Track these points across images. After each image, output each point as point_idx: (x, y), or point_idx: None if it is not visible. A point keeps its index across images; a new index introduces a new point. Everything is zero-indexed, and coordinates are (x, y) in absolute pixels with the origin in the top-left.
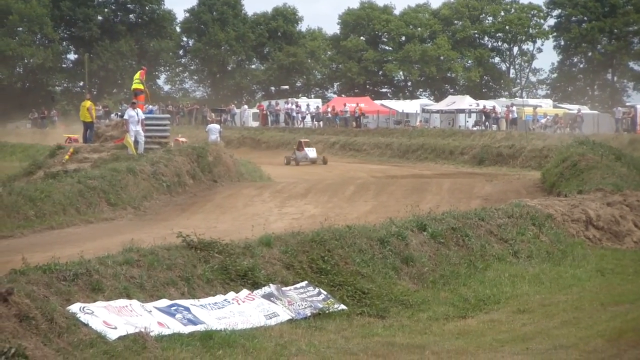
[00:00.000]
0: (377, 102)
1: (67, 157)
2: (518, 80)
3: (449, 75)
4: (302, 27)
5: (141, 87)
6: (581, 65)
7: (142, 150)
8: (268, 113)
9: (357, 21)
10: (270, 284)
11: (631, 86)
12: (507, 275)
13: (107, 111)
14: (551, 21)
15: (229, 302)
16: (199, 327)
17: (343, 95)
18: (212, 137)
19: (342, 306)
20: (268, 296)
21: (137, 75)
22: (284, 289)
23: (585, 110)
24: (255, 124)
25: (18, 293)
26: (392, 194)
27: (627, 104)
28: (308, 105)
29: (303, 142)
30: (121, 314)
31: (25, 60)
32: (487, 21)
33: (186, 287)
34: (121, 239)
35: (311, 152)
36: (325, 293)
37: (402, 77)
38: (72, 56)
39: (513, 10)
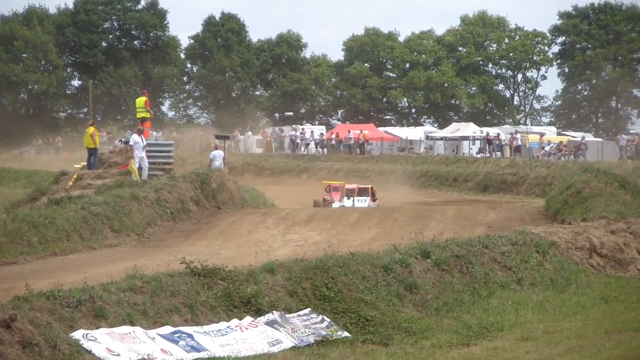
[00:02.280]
0: (381, 129)
1: (70, 183)
2: (522, 108)
3: (453, 102)
4: (307, 53)
5: (147, 115)
6: (585, 93)
7: (146, 177)
8: (272, 139)
9: (362, 48)
10: (274, 311)
11: (635, 113)
12: (511, 302)
13: (110, 137)
14: (555, 48)
15: (232, 329)
16: (202, 354)
17: (347, 122)
18: (216, 164)
19: (346, 333)
20: (271, 323)
21: (140, 103)
22: (287, 316)
23: (590, 137)
24: (259, 150)
25: (21, 319)
26: (396, 221)
27: (632, 131)
28: (312, 131)
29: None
30: (124, 341)
31: (30, 86)
32: (491, 48)
33: (189, 314)
34: (125, 265)
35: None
36: (328, 320)
37: (406, 104)
38: (76, 82)
39: (517, 37)
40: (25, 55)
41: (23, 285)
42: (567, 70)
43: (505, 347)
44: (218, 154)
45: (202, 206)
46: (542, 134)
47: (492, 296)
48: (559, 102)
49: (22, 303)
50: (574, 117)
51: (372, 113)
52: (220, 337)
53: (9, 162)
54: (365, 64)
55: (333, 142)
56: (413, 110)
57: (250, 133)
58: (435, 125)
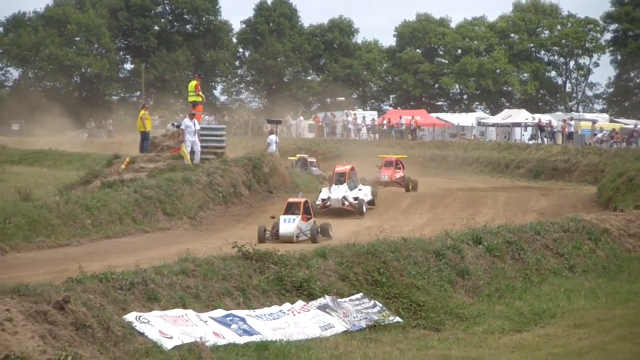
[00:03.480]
0: (433, 114)
1: (123, 166)
2: (574, 95)
3: (505, 88)
4: (358, 39)
5: (199, 99)
6: (638, 80)
7: (198, 161)
8: (324, 124)
9: (413, 33)
10: (326, 296)
11: None
12: (563, 289)
13: (163, 121)
14: (608, 35)
15: (284, 313)
16: (254, 338)
17: (399, 108)
18: (273, 148)
19: (398, 318)
20: (323, 307)
21: (191, 87)
22: (339, 300)
23: None
24: (311, 135)
25: (74, 301)
26: (448, 207)
27: None
28: (364, 117)
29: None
30: (177, 324)
31: (83, 70)
32: (543, 35)
33: (242, 298)
34: (177, 248)
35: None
36: (380, 305)
37: (458, 90)
38: (128, 66)
39: (570, 24)
40: (78, 38)
41: (76, 267)
42: (619, 57)
43: (558, 334)
44: (273, 138)
45: (254, 190)
46: (594, 121)
47: (544, 283)
48: (612, 90)
49: (76, 285)
50: (626, 104)
51: (423, 99)
52: (273, 320)
53: (62, 145)
54: (417, 50)
55: (385, 127)
56: (465, 97)
57: (302, 118)
58: (487, 112)
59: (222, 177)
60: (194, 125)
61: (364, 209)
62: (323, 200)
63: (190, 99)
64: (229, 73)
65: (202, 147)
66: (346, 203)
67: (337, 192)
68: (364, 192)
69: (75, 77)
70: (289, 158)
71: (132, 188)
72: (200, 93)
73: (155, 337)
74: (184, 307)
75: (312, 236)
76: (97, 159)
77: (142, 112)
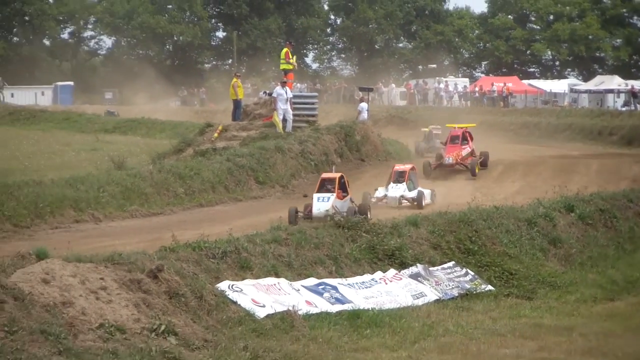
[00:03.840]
0: (525, 81)
1: (216, 135)
2: None
3: (597, 54)
4: (450, 5)
5: (289, 66)
6: None
7: (290, 129)
8: (416, 92)
9: None
10: (418, 264)
11: None
12: None
13: (255, 89)
14: None
15: (376, 281)
16: (347, 306)
17: (491, 75)
18: (364, 116)
19: (490, 287)
20: (415, 276)
21: (282, 55)
22: (431, 269)
23: None
24: (403, 102)
25: (168, 270)
26: (540, 175)
27: None
28: (456, 84)
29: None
30: (269, 292)
31: (175, 38)
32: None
33: (334, 266)
34: (269, 217)
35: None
36: (472, 273)
37: (550, 57)
38: (220, 34)
39: None
40: (170, 6)
41: (169, 236)
42: None
43: None
44: (365, 106)
45: (346, 158)
46: None
47: (637, 251)
48: None
49: (169, 254)
50: None
51: (515, 65)
52: (364, 289)
53: (155, 113)
54: (509, 16)
55: (476, 94)
56: (557, 63)
57: (393, 85)
58: (580, 78)
59: (314, 145)
60: (286, 93)
61: (424, 203)
62: (378, 198)
63: (282, 66)
64: (321, 40)
65: (294, 115)
66: (404, 202)
67: (394, 191)
68: (423, 193)
69: (168, 45)
70: (422, 129)
71: (224, 156)
72: (291, 60)
73: (248, 305)
74: (277, 275)
75: (349, 216)
76: (189, 128)
77: (234, 80)
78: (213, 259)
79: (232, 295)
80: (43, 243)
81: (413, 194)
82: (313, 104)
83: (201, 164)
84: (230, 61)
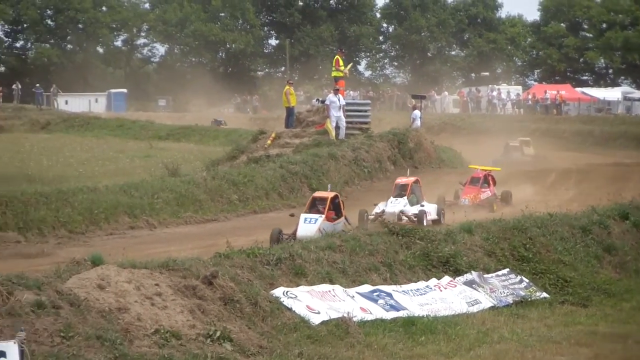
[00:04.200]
0: (578, 89)
1: (269, 142)
2: None
3: None
4: (502, 13)
5: (340, 74)
6: None
7: (343, 136)
8: (469, 99)
9: (558, 7)
10: (472, 271)
11: None
12: None
13: (308, 96)
14: None
15: (430, 288)
16: (401, 313)
17: (544, 82)
18: (418, 123)
19: (544, 294)
20: (470, 283)
21: (334, 62)
22: (485, 276)
23: None
24: (456, 110)
25: (223, 276)
26: (593, 182)
27: None
28: (509, 91)
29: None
30: (324, 299)
31: (228, 45)
32: None
33: (388, 273)
34: None
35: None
36: (527, 281)
37: (603, 65)
38: (273, 42)
39: None
40: (223, 14)
41: (224, 242)
42: None
43: None
44: (418, 113)
45: (399, 165)
46: None
47: None
48: None
49: (223, 260)
50: None
51: (568, 73)
52: (419, 296)
53: (208, 120)
54: (562, 24)
55: (529, 102)
56: (610, 71)
57: (446, 93)
58: (633, 86)
59: (367, 153)
60: (339, 100)
61: (425, 222)
62: (377, 213)
63: (333, 74)
64: (373, 48)
65: (347, 122)
66: (404, 218)
67: (393, 206)
68: (428, 210)
69: (221, 53)
70: (510, 144)
71: (277, 163)
72: (341, 68)
73: (302, 312)
74: (331, 282)
75: None
76: (243, 135)
77: (287, 87)
78: (267, 266)
79: (286, 301)
80: (98, 249)
81: (414, 209)
82: (366, 111)
83: (255, 171)
84: (283, 69)
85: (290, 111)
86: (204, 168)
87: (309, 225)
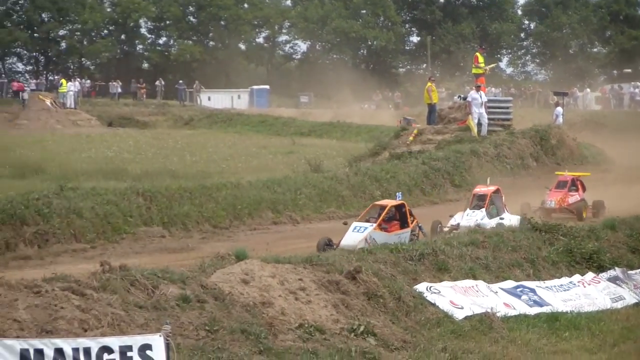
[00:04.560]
0: None
1: (411, 138)
2: None
3: None
4: None
5: (479, 71)
6: None
7: (485, 133)
8: (611, 96)
9: None
10: (616, 267)
11: None
12: None
13: (449, 93)
14: None
15: (574, 284)
16: (545, 309)
17: None
18: (560, 120)
19: None
20: (613, 279)
21: (474, 59)
22: (629, 272)
23: None
24: (597, 107)
25: (366, 271)
26: None
27: None
28: None
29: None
30: (467, 294)
31: (369, 43)
32: None
33: (531, 269)
34: None
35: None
36: None
37: None
38: (414, 38)
39: None
40: (364, 11)
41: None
42: None
43: None
44: (560, 110)
45: (542, 162)
46: None
47: None
48: None
49: (367, 255)
50: None
51: None
52: (562, 292)
53: (350, 117)
54: None
55: None
56: None
57: (588, 90)
58: None
59: (509, 149)
60: (480, 97)
61: None
62: (452, 226)
63: (473, 70)
64: (515, 45)
65: (488, 119)
66: None
67: (470, 219)
68: (508, 223)
69: (362, 50)
70: None
71: (420, 160)
72: (481, 65)
73: (446, 307)
74: (474, 278)
75: None
76: (384, 131)
77: (429, 84)
78: (411, 261)
79: (430, 296)
80: (242, 244)
81: (492, 223)
82: (508, 108)
83: (397, 167)
84: (424, 65)
85: (432, 108)
86: (346, 164)
87: (355, 234)
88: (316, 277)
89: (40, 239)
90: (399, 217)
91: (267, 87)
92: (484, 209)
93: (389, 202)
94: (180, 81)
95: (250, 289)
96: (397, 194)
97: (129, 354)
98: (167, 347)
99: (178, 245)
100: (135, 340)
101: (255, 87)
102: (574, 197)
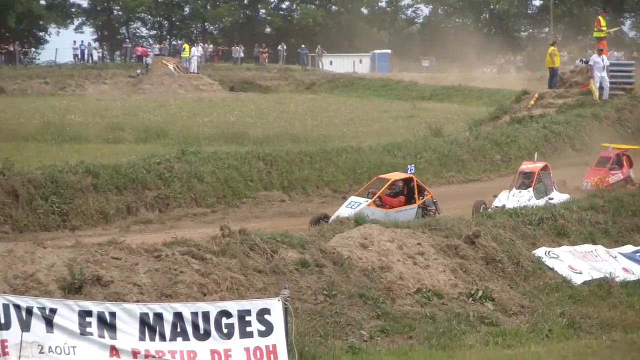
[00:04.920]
0: None
1: (532, 102)
2: None
3: None
4: None
5: (601, 34)
6: None
7: (606, 97)
8: None
9: None
10: None
11: None
12: None
13: (571, 57)
14: None
15: None
16: None
17: None
18: None
19: None
20: None
21: (596, 22)
22: None
23: None
24: None
25: (485, 236)
26: None
27: None
28: None
29: None
30: (586, 259)
31: (491, 6)
32: None
33: None
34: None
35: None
36: None
37: None
38: (537, 2)
39: None
40: None
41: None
42: None
43: None
44: None
45: None
46: None
47: None
48: None
49: (485, 220)
50: None
51: None
52: None
53: (471, 81)
54: None
55: None
56: None
57: None
58: None
59: (631, 113)
60: (603, 61)
61: None
62: (496, 207)
63: (595, 34)
64: (638, 8)
65: (610, 82)
66: None
67: (515, 200)
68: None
69: (484, 13)
70: None
71: (540, 124)
72: (603, 28)
73: (564, 272)
74: (593, 242)
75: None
76: (506, 95)
77: (551, 48)
78: (529, 226)
79: (548, 261)
80: None
81: (541, 203)
82: (630, 71)
83: (517, 131)
84: (546, 29)
85: (553, 72)
86: (466, 128)
87: (346, 210)
88: (435, 242)
89: (161, 203)
90: (407, 192)
91: (389, 51)
92: (531, 189)
93: (394, 176)
94: (303, 45)
95: (368, 253)
96: (409, 166)
97: (247, 318)
98: (286, 311)
99: (298, 210)
100: (254, 305)
101: (377, 51)
102: (615, 176)
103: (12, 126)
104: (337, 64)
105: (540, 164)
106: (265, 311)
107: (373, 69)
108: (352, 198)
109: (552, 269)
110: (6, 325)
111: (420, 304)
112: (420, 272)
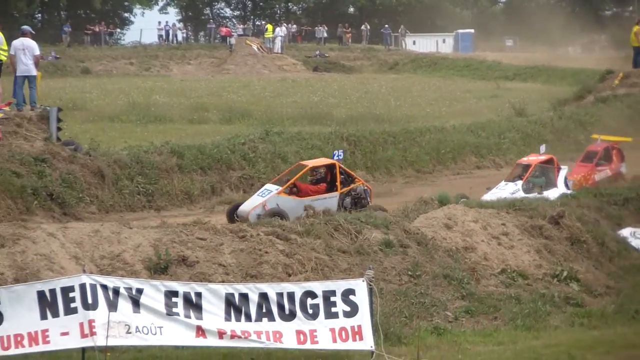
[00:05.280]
0: None
1: (616, 82)
2: None
3: None
4: None
5: None
6: None
7: None
8: None
9: None
10: None
11: None
12: None
13: None
14: None
15: None
16: None
17: None
18: None
19: None
20: None
21: None
22: None
23: None
24: None
25: (569, 216)
26: None
27: None
28: None
29: None
30: None
31: None
32: None
33: None
34: None
35: None
36: None
37: None
38: None
39: None
40: None
41: None
42: None
43: None
44: None
45: None
46: None
47: None
48: None
49: (570, 200)
50: None
51: None
52: None
53: (555, 60)
54: None
55: None
56: None
57: None
58: None
59: None
60: None
61: None
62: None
63: None
64: None
65: None
66: None
67: (500, 191)
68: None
69: None
70: None
71: (625, 103)
72: None
73: None
74: None
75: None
76: (590, 75)
77: (636, 27)
78: (615, 206)
79: (634, 242)
80: (444, 188)
81: (530, 197)
82: None
83: (602, 111)
84: (631, 8)
85: (638, 51)
86: (550, 108)
87: (254, 199)
88: (519, 222)
89: (245, 183)
90: (330, 179)
91: (472, 31)
92: (520, 182)
93: (315, 162)
94: (386, 25)
95: (453, 233)
96: (336, 151)
97: (332, 298)
98: (370, 291)
99: (382, 190)
100: (339, 285)
101: (460, 30)
102: (602, 173)
103: (98, 107)
104: (420, 43)
105: (542, 157)
106: (350, 292)
107: (456, 48)
108: (267, 186)
109: (638, 250)
110: (94, 306)
111: (505, 284)
112: (504, 252)
